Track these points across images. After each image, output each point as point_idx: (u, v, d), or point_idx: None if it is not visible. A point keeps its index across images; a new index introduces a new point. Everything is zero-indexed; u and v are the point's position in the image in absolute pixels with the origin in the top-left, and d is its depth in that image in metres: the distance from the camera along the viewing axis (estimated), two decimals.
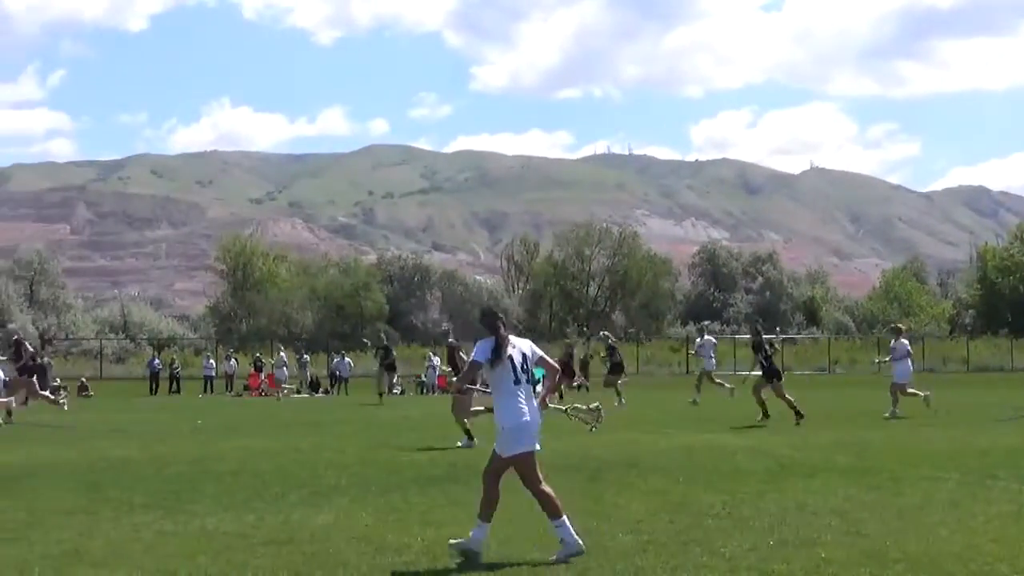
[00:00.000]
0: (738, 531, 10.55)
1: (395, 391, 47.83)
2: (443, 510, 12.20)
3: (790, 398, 26.27)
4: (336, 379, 55.78)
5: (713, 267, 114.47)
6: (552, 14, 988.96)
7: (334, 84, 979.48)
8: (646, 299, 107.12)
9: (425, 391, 51.98)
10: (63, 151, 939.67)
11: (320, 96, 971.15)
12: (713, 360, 37.62)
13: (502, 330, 10.31)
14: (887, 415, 27.11)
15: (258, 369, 56.61)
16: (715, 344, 39.17)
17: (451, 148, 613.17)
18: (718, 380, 38.60)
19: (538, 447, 10.24)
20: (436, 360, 52.66)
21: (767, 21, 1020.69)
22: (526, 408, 10.22)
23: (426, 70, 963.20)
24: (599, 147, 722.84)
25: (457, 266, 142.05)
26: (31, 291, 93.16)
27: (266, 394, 51.24)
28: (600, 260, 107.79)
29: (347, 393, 51.94)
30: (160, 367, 58.76)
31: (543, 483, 10.06)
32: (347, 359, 57.65)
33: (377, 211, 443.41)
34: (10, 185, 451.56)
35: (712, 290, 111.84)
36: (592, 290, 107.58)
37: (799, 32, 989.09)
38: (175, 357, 65.40)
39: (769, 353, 27.09)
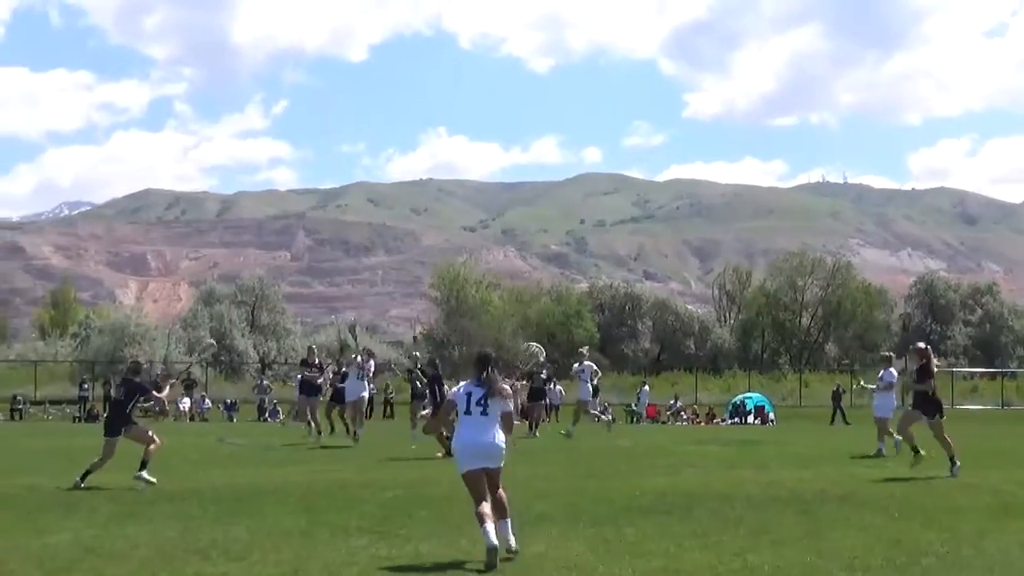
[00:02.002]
0: (957, 571, 10.31)
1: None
2: (654, 541, 12.14)
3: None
4: (548, 407, 55.95)
5: (930, 298, 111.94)
6: (768, 41, 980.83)
7: (548, 113, 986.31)
8: (860, 330, 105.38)
9: (635, 420, 51.85)
10: (285, 179, 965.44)
11: (534, 125, 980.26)
12: (590, 387, 34.93)
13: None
14: (873, 454, 25.23)
15: None
16: (596, 371, 35.87)
17: (664, 176, 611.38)
18: (594, 411, 37.33)
19: (477, 467, 11.75)
20: (647, 388, 52.68)
21: (989, 47, 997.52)
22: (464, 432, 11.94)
23: (640, 98, 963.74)
24: (814, 176, 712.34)
25: (668, 295, 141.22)
26: (252, 316, 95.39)
27: None
28: (813, 290, 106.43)
29: (557, 420, 51.98)
30: (374, 391, 59.69)
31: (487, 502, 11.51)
32: (558, 386, 57.61)
33: (589, 239, 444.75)
34: (235, 212, 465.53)
35: (929, 322, 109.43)
36: (805, 320, 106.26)
37: (1023, 57, 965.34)
38: (389, 382, 66.35)
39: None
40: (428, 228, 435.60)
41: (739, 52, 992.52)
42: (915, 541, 12.11)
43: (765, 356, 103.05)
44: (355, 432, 29.05)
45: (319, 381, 31.07)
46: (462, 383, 12.37)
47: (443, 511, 14.79)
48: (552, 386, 50.66)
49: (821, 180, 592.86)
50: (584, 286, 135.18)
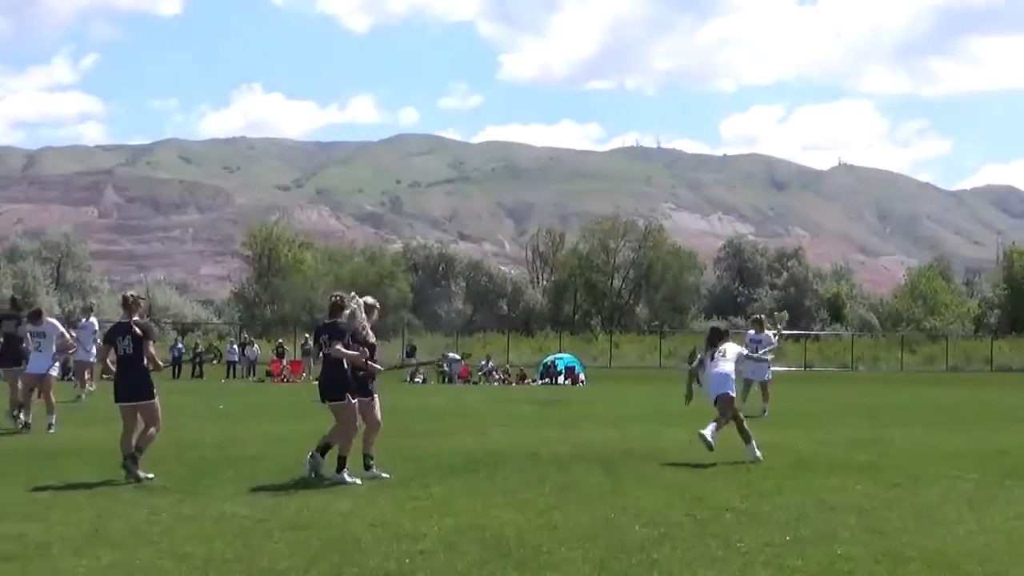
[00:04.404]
0: (755, 526, 10.55)
1: None
2: (462, 499, 12.19)
3: None
4: None
5: (738, 262, 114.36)
6: (586, 5, 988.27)
7: (365, 72, 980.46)
8: (670, 292, 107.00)
9: (447, 380, 51.94)
10: (93, 135, 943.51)
11: (351, 84, 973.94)
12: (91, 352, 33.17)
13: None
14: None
15: (280, 355, 56.75)
16: (96, 329, 33.67)
17: (480, 138, 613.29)
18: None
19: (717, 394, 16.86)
20: (458, 357, 53.06)
21: (801, 16, 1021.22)
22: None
23: (457, 60, 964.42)
24: (628, 139, 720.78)
25: (482, 256, 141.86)
26: (57, 273, 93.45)
27: (288, 380, 51.37)
28: (625, 253, 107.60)
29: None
30: (183, 351, 58.83)
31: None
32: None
33: (404, 200, 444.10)
34: (40, 168, 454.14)
35: (737, 285, 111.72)
36: (616, 282, 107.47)
37: (833, 27, 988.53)
38: (199, 342, 65.62)
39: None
40: (241, 187, 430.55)
41: (557, 15, 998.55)
42: (716, 497, 12.38)
43: (577, 317, 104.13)
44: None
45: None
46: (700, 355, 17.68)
47: (250, 471, 14.67)
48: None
49: (635, 144, 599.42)
50: (398, 246, 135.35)
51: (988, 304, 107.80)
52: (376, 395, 14.62)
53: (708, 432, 16.25)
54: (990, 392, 43.73)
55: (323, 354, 14.14)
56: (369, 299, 14.73)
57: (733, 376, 17.19)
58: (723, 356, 17.12)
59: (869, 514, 11.33)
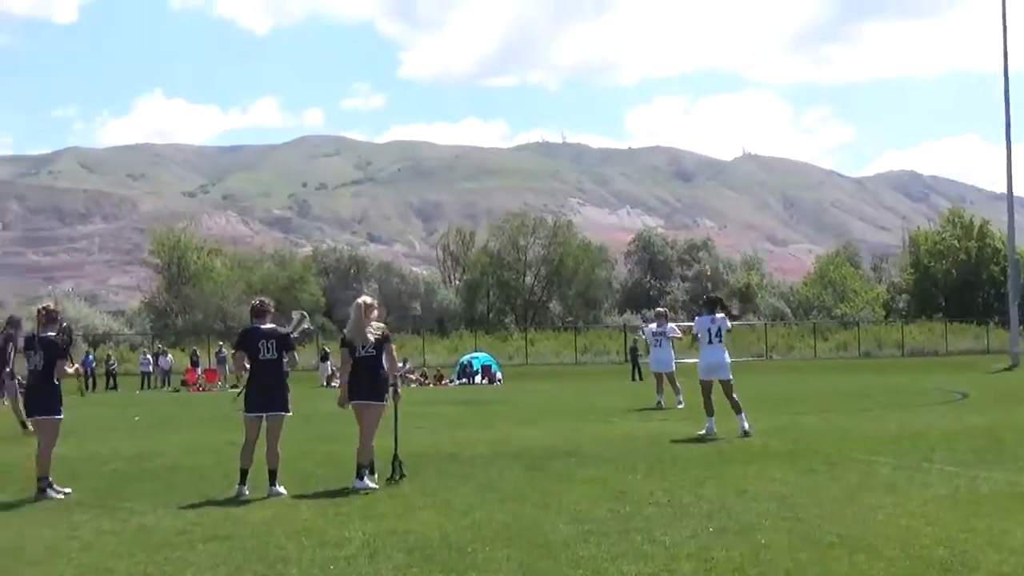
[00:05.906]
0: (678, 519, 10.58)
1: None
2: (383, 504, 12.14)
3: None
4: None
5: (649, 255, 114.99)
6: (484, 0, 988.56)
7: (267, 74, 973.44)
8: (582, 288, 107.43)
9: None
10: None
11: (253, 86, 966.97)
12: None
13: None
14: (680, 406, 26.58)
15: (195, 364, 56.32)
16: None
17: (385, 138, 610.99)
18: None
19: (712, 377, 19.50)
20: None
21: (701, 6, 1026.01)
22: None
23: (359, 59, 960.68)
24: (533, 136, 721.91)
25: (393, 257, 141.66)
26: None
27: (204, 389, 51.01)
28: (535, 249, 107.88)
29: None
30: (94, 363, 58.14)
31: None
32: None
33: (311, 203, 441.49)
34: None
35: (648, 278, 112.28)
36: (529, 279, 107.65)
37: (732, 18, 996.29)
38: (110, 353, 64.92)
39: None
40: (146, 194, 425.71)
41: (456, 11, 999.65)
42: (638, 492, 12.40)
43: (491, 316, 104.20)
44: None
45: None
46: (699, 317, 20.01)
47: (168, 482, 14.55)
48: None
49: (541, 140, 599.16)
50: (308, 250, 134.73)
51: (896, 289, 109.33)
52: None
53: (745, 425, 18.86)
54: (902, 376, 44.33)
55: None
56: (367, 298, 14.55)
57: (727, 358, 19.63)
58: (719, 339, 19.45)
59: (789, 502, 11.41)
